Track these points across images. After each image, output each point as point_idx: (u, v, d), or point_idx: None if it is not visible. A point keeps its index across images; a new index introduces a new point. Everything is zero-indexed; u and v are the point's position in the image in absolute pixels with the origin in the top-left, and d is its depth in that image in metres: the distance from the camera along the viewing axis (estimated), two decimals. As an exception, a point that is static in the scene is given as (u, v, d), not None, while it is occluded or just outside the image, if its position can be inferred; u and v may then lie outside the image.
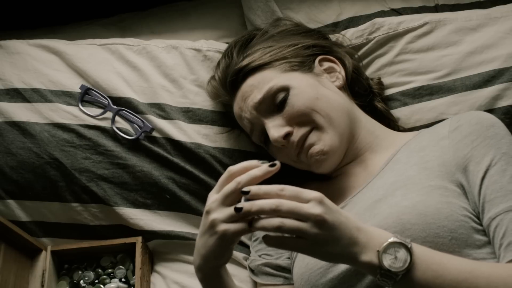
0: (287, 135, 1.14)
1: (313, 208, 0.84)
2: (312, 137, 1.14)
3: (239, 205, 0.86)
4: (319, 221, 0.84)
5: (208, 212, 0.90)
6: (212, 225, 0.88)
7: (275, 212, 0.84)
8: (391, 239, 0.87)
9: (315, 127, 1.14)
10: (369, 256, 0.87)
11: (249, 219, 0.86)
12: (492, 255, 0.98)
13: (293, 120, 1.15)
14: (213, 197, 0.91)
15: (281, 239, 0.87)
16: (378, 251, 0.86)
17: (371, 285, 0.99)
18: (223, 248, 0.90)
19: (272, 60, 1.19)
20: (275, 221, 0.85)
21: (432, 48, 1.32)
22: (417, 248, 0.88)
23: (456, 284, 0.88)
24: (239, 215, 0.86)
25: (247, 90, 1.19)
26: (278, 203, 0.84)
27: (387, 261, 0.86)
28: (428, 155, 1.08)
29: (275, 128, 1.15)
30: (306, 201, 0.85)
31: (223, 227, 0.87)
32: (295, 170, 1.22)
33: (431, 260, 0.88)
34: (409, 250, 0.86)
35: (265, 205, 0.85)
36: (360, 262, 0.87)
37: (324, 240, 0.85)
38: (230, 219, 0.87)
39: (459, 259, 0.92)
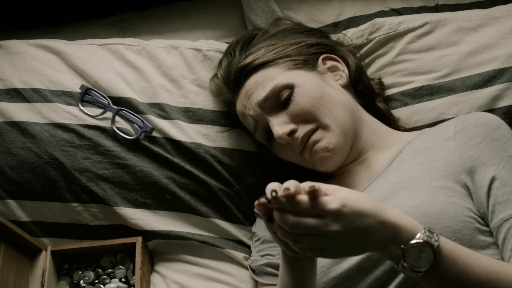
0: (291, 132, 1.15)
1: (329, 225, 0.82)
2: (317, 135, 1.14)
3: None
4: (336, 237, 0.82)
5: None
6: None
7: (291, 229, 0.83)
8: (418, 237, 0.84)
9: (320, 125, 1.14)
10: (393, 249, 0.85)
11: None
12: (496, 257, 0.98)
13: (297, 118, 1.15)
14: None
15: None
16: (402, 247, 0.84)
17: (374, 284, 0.99)
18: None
19: (276, 58, 1.19)
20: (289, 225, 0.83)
21: (432, 48, 1.32)
22: (445, 246, 0.86)
23: (480, 285, 0.86)
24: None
25: (251, 87, 1.19)
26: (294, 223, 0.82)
27: (409, 260, 0.84)
28: (433, 155, 1.08)
29: (280, 125, 1.15)
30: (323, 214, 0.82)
31: None
32: (298, 169, 1.22)
33: (457, 258, 0.86)
34: (434, 251, 0.84)
35: (287, 222, 0.83)
36: (384, 252, 0.87)
37: (342, 249, 0.85)
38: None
39: (487, 259, 0.90)
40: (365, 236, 0.84)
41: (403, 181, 1.06)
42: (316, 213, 0.82)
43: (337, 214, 0.81)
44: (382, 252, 0.87)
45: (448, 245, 0.87)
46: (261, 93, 1.17)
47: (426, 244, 0.84)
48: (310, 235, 0.83)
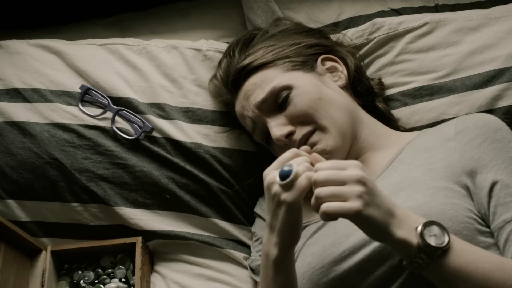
0: (289, 134, 1.15)
1: (350, 170, 0.87)
2: (315, 137, 1.14)
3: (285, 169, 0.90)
4: (357, 180, 0.86)
5: (269, 187, 0.92)
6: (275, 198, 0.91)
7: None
8: (426, 222, 0.87)
9: (318, 127, 1.14)
10: (405, 233, 0.86)
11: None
12: None
13: (295, 120, 1.15)
14: (272, 172, 0.93)
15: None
16: (416, 228, 0.86)
17: (374, 284, 0.99)
18: (290, 217, 0.92)
19: (274, 59, 1.19)
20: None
21: (432, 48, 1.32)
22: (452, 237, 0.88)
23: (488, 273, 0.87)
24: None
25: (250, 88, 1.19)
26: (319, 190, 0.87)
27: (427, 238, 0.86)
28: (434, 156, 1.08)
29: (277, 127, 1.15)
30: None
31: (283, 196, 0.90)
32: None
33: (465, 246, 0.89)
34: (446, 230, 0.87)
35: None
36: (395, 237, 0.86)
37: (363, 194, 0.86)
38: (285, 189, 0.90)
39: (488, 252, 0.92)
40: (383, 198, 0.87)
41: (403, 182, 1.06)
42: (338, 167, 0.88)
43: (358, 165, 0.87)
44: (391, 237, 0.87)
45: (454, 237, 0.90)
46: (259, 95, 1.17)
47: (438, 225, 0.87)
48: (330, 184, 0.86)
